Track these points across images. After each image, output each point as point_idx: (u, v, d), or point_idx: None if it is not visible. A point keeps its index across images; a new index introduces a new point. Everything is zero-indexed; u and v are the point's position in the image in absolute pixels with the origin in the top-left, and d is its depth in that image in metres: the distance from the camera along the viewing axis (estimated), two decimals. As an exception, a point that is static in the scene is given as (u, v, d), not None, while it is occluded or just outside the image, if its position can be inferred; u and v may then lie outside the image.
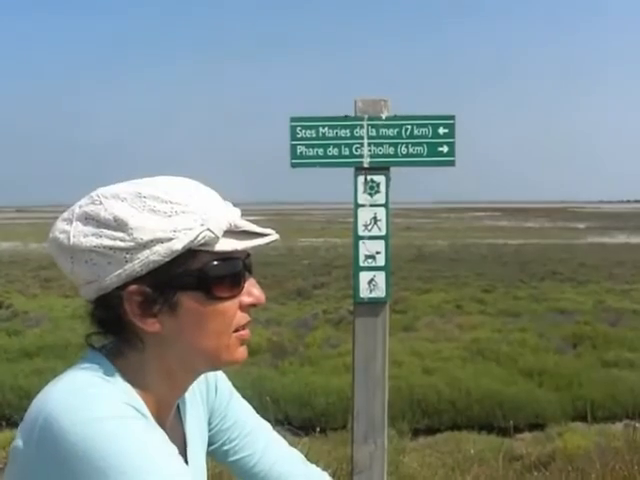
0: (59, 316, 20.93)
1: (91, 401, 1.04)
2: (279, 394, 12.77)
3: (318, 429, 7.34)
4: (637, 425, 7.91)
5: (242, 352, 1.19)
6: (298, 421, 11.63)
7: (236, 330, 1.17)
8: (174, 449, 1.08)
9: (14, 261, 41.84)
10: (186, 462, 1.25)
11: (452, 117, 3.27)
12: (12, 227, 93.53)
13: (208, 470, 1.39)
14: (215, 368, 1.26)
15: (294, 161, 3.28)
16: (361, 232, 3.24)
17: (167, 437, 1.11)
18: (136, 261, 1.09)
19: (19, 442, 1.06)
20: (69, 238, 1.11)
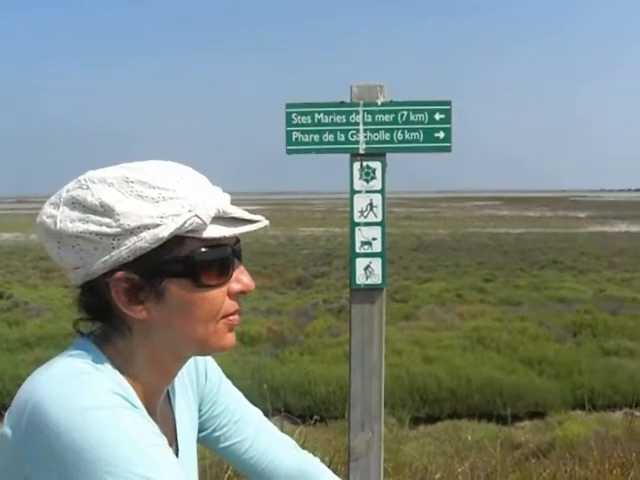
0: (59, 306, 20.97)
1: (79, 390, 1.03)
2: (279, 383, 12.80)
3: (316, 417, 7.35)
4: (636, 413, 7.93)
5: (231, 338, 1.17)
6: (298, 410, 11.65)
7: (224, 316, 1.15)
8: (163, 439, 1.07)
9: (14, 252, 41.88)
10: (176, 449, 1.25)
11: (448, 102, 3.24)
12: (12, 218, 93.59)
13: (202, 457, 1.38)
14: (204, 354, 1.26)
15: (290, 147, 3.26)
16: (357, 219, 3.22)
17: (156, 427, 1.11)
18: (123, 247, 1.07)
19: (7, 430, 1.05)
20: (56, 223, 1.10)
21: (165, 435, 1.10)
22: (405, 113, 3.21)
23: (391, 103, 3.24)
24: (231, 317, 1.16)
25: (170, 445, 1.09)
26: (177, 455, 1.23)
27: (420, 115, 3.21)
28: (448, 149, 3.25)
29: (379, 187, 3.23)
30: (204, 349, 1.18)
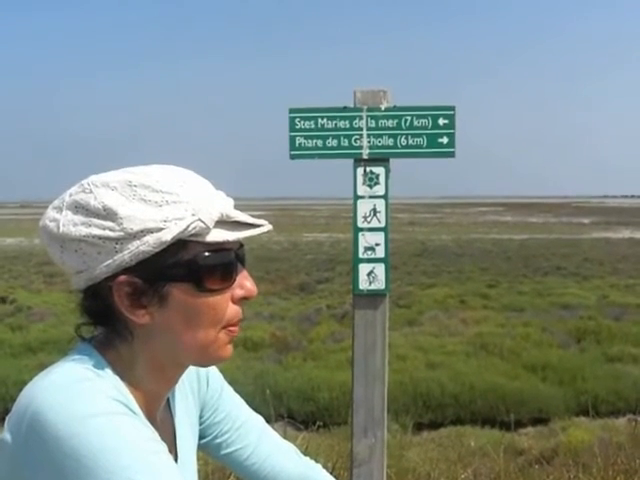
0: (63, 311, 20.97)
1: (79, 397, 1.02)
2: (282, 389, 12.78)
3: (319, 423, 7.34)
4: (640, 419, 7.90)
5: (229, 350, 1.16)
6: (301, 416, 11.64)
7: (227, 325, 1.14)
8: (163, 446, 1.06)
9: (18, 257, 41.92)
10: (176, 456, 1.24)
11: (452, 108, 3.23)
12: (16, 223, 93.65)
13: (205, 463, 1.37)
14: (201, 364, 1.23)
15: (293, 152, 3.25)
16: (360, 224, 3.22)
17: (156, 434, 1.09)
18: (126, 251, 1.06)
19: (7, 435, 1.04)
20: (59, 227, 1.09)
21: (164, 442, 1.09)
22: (409, 118, 3.20)
23: (395, 108, 3.23)
24: (232, 327, 1.15)
25: (169, 452, 1.08)
26: (176, 462, 1.22)
27: (424, 120, 3.20)
28: (452, 154, 3.24)
29: (382, 192, 3.22)
30: (202, 357, 1.16)
